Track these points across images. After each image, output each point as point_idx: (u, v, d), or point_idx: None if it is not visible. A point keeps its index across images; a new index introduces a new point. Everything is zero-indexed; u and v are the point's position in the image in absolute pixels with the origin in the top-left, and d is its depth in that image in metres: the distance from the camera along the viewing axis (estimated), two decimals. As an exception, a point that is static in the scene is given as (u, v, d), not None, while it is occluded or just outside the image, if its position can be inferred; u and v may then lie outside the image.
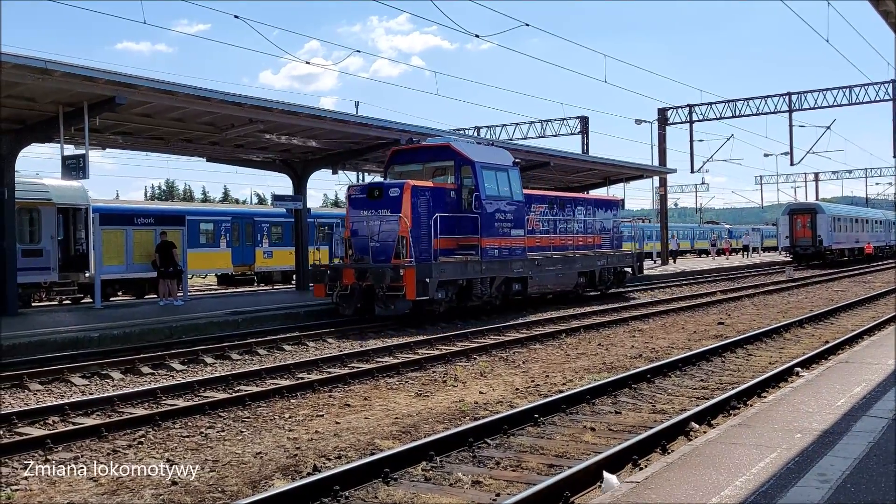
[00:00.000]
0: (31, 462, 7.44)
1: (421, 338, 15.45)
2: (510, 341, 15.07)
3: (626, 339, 15.75)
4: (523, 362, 13.08)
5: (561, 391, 10.15)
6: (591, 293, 25.17)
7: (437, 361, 13.00)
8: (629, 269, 27.18)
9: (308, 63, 46.69)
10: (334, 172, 28.72)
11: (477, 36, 25.80)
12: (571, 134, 45.48)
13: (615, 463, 6.67)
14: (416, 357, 13.18)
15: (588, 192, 35.99)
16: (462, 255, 18.76)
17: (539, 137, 45.83)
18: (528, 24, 26.15)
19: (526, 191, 22.11)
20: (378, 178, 28.14)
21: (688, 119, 45.05)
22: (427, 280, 17.03)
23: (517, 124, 46.73)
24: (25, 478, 6.97)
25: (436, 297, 17.55)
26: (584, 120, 45.16)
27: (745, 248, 64.90)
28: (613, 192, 42.57)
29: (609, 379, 10.50)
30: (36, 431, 8.52)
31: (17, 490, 6.60)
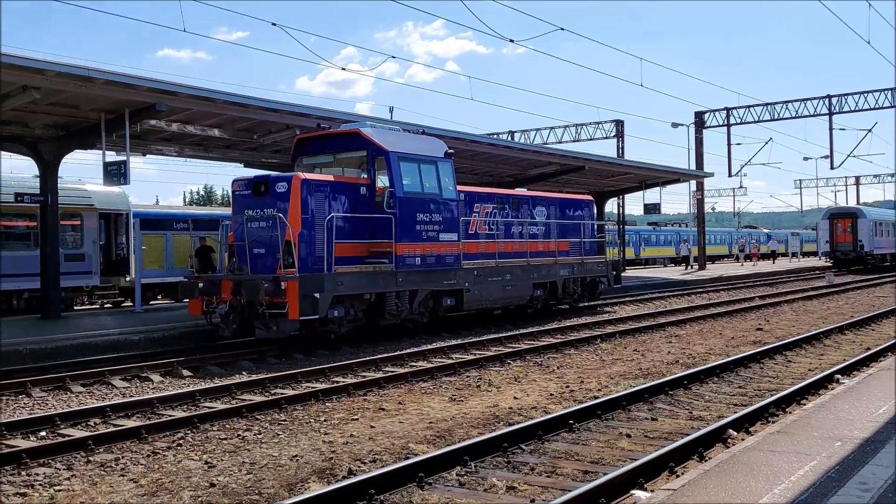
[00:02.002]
0: (74, 463, 7.60)
1: (454, 342, 15.45)
2: (545, 346, 15.01)
3: (662, 345, 15.60)
4: (558, 367, 13.02)
5: (596, 397, 10.10)
6: (561, 306, 21.99)
7: (471, 366, 13.00)
8: (603, 280, 23.32)
9: (344, 69, 47.33)
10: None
11: (511, 41, 25.79)
12: (606, 138, 45.18)
13: (651, 470, 6.62)
14: (451, 362, 13.19)
15: (560, 192, 30.37)
16: (374, 264, 15.74)
17: (574, 141, 45.62)
18: (563, 29, 26.08)
19: (468, 187, 19.55)
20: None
21: (725, 122, 44.52)
22: (317, 295, 13.91)
23: (552, 128, 46.60)
24: (68, 478, 7.12)
25: (331, 316, 14.48)
26: (619, 123, 44.86)
27: (773, 254, 63.61)
28: (650, 196, 41.93)
29: (645, 385, 10.41)
30: (78, 433, 8.69)
31: (59, 490, 6.74)
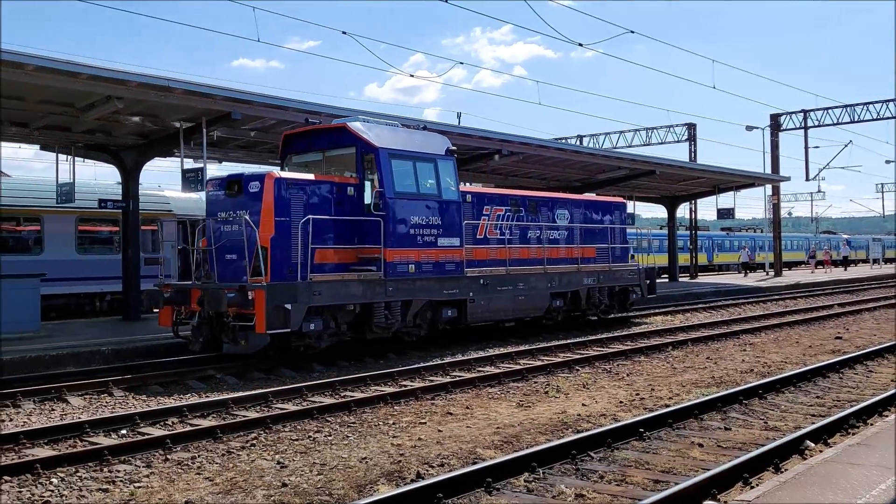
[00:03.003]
0: (153, 460, 7.86)
1: (522, 348, 15.40)
2: (614, 353, 14.83)
3: (736, 353, 15.24)
4: (627, 375, 12.85)
5: (667, 405, 9.93)
6: (591, 318, 20.31)
7: (538, 372, 12.94)
8: (636, 289, 21.21)
9: (412, 76, 47.68)
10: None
11: (580, 44, 25.57)
12: (678, 141, 44.46)
13: (725, 481, 6.47)
14: (518, 367, 13.15)
15: (582, 193, 29.19)
16: (361, 272, 14.34)
17: (644, 145, 45.01)
18: (632, 31, 25.75)
19: (477, 188, 18.13)
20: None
21: (802, 125, 43.27)
22: (288, 306, 12.66)
23: (621, 132, 46.05)
24: (147, 475, 7.36)
25: (307, 329, 13.16)
26: (691, 127, 44.06)
27: (845, 260, 61.09)
28: (723, 201, 40.94)
29: (718, 394, 10.19)
30: (157, 431, 8.98)
31: (139, 487, 6.98)
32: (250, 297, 12.53)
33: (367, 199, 14.57)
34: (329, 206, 14.10)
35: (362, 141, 14.69)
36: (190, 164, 18.60)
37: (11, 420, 9.71)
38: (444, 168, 15.77)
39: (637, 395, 11.01)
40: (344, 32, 20.99)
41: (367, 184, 14.79)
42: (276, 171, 13.91)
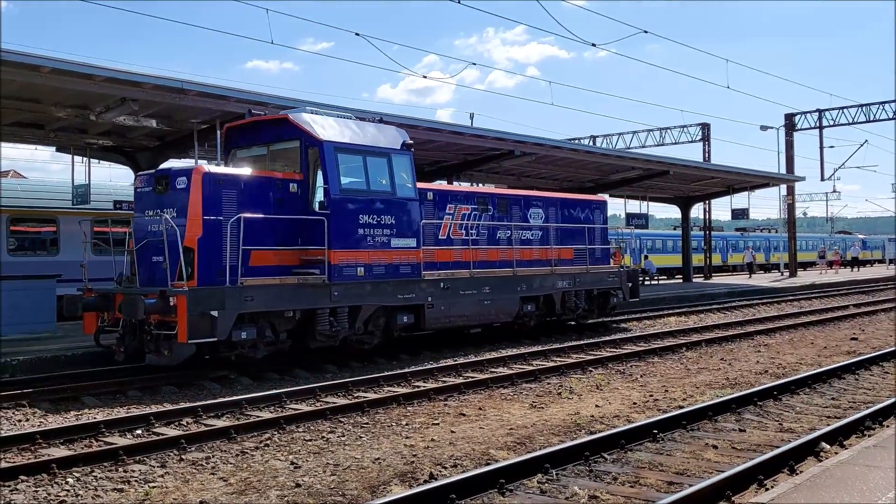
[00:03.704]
0: (167, 460, 7.90)
1: (535, 349, 15.37)
2: (627, 354, 14.78)
3: (750, 354, 15.16)
4: (641, 376, 12.81)
5: (681, 406, 9.89)
6: (570, 322, 19.31)
7: (551, 373, 12.92)
8: (618, 293, 20.01)
9: (425, 77, 47.89)
10: (449, 182, 29.10)
11: (593, 44, 25.51)
12: (692, 142, 44.26)
13: (739, 482, 6.44)
14: (531, 368, 13.14)
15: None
16: (303, 276, 13.28)
17: (657, 146, 44.84)
18: (646, 31, 25.69)
19: (440, 185, 17.09)
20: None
21: (817, 124, 42.99)
22: (215, 313, 11.69)
23: (635, 132, 45.90)
24: (162, 475, 7.40)
25: (238, 338, 12.15)
26: (704, 127, 43.86)
27: (855, 261, 60.46)
28: (737, 201, 40.77)
29: (732, 395, 10.14)
30: (171, 431, 9.03)
31: (154, 487, 7.02)
32: (172, 304, 11.57)
33: (313, 196, 13.66)
34: (268, 204, 13.11)
35: (306, 133, 13.61)
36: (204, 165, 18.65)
37: (28, 420, 9.79)
38: (399, 163, 14.67)
39: (651, 396, 10.97)
40: (357, 34, 21.04)
41: (316, 180, 13.78)
42: (206, 166, 12.90)
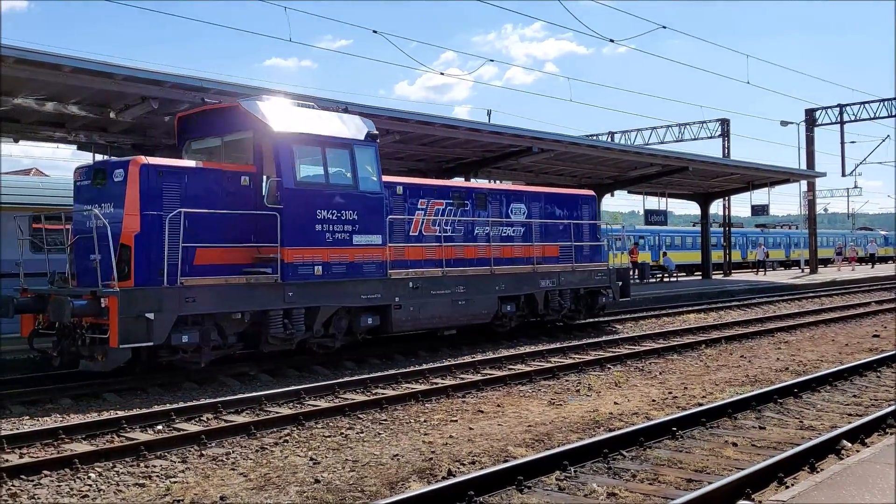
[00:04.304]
0: (188, 456, 7.97)
1: (554, 346, 15.35)
2: (646, 351, 14.73)
3: (770, 351, 15.05)
4: (660, 373, 12.76)
5: (700, 404, 9.85)
6: (559, 323, 18.35)
7: (570, 370, 12.89)
8: (607, 292, 18.96)
9: (442, 73, 47.89)
10: (467, 179, 29.11)
11: (612, 40, 25.42)
12: (711, 137, 43.97)
13: (759, 480, 6.41)
14: (549, 365, 13.12)
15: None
16: (254, 275, 12.45)
17: (677, 141, 44.60)
18: (664, 27, 25.56)
19: (411, 179, 16.29)
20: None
21: (838, 120, 42.56)
22: (150, 315, 10.92)
23: (653, 128, 45.70)
24: (182, 471, 7.47)
25: (179, 342, 11.46)
26: (724, 123, 43.56)
27: (872, 257, 59.61)
28: (757, 197, 40.33)
29: (752, 392, 10.08)
30: (192, 427, 9.10)
31: (175, 482, 7.08)
32: (103, 305, 10.79)
33: (264, 190, 12.84)
34: (217, 198, 12.21)
35: (259, 123, 12.75)
36: (386, 176, 18.51)
37: (50, 416, 9.90)
38: (362, 155, 13.73)
39: (670, 393, 10.93)
40: (375, 31, 21.09)
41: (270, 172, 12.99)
42: (144, 157, 12.06)
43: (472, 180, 24.96)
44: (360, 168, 13.64)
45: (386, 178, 14.61)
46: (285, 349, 13.01)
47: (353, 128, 13.89)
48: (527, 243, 17.33)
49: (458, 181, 18.19)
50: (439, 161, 25.12)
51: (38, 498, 6.67)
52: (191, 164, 12.63)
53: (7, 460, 7.76)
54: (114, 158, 12.77)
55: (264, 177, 12.84)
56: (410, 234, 15.09)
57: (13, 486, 6.96)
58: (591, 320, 19.27)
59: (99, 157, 19.86)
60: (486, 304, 15.91)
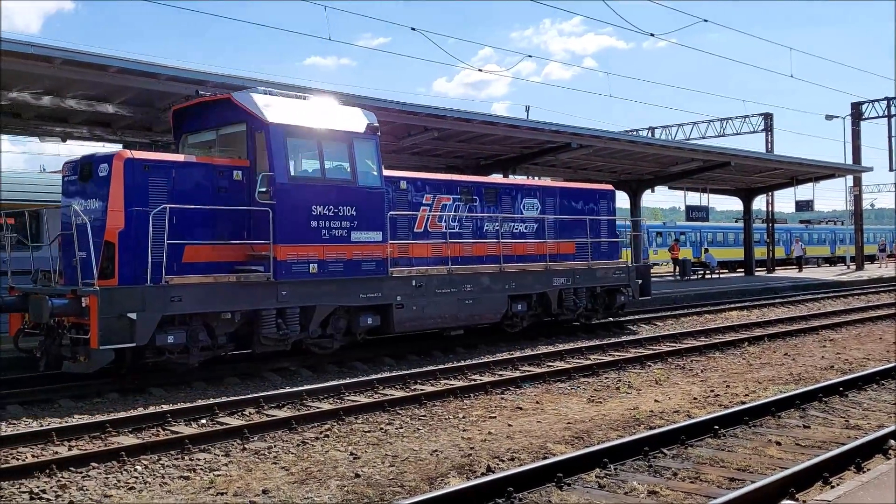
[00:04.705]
0: (231, 450, 8.09)
1: (593, 343, 15.27)
2: (687, 349, 14.57)
3: (815, 349, 14.79)
4: (701, 371, 12.62)
5: (743, 402, 9.72)
6: (575, 323, 17.79)
7: (609, 367, 12.81)
8: (626, 290, 18.28)
9: (481, 70, 47.82)
10: (505, 175, 29.06)
11: (652, 35, 25.15)
12: (753, 132, 43.34)
13: (804, 480, 6.31)
14: (588, 363, 13.06)
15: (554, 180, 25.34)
16: (245, 273, 12.04)
17: (718, 136, 44.03)
18: (706, 20, 25.21)
19: (417, 173, 15.80)
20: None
21: (886, 113, 41.62)
22: (133, 315, 10.54)
23: (695, 123, 45.11)
24: (226, 464, 7.59)
25: (164, 343, 11.07)
26: (767, 117, 42.87)
27: None
28: (801, 192, 39.55)
29: (797, 391, 9.92)
30: (234, 421, 9.24)
31: (218, 475, 7.20)
32: (84, 305, 10.47)
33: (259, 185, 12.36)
34: (207, 193, 11.86)
35: (251, 115, 12.32)
36: (389, 171, 18.66)
37: (97, 409, 10.11)
38: (362, 149, 13.23)
39: (711, 391, 10.81)
40: (413, 28, 21.15)
41: (263, 166, 12.45)
42: (130, 151, 11.79)
43: (511, 177, 24.90)
44: (359, 162, 13.15)
45: (389, 173, 14.23)
46: (280, 349, 12.56)
47: (352, 120, 13.39)
48: (539, 240, 16.73)
49: (469, 176, 17.43)
50: (477, 158, 25.09)
51: (87, 489, 6.83)
52: (179, 158, 12.19)
53: (57, 452, 7.97)
54: (100, 152, 12.27)
55: (258, 171, 12.34)
56: (415, 230, 14.55)
57: (62, 477, 7.14)
58: (611, 319, 18.52)
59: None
60: (495, 303, 15.39)
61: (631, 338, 16.20)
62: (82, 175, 11.59)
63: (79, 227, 10.71)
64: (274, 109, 12.39)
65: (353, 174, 13.05)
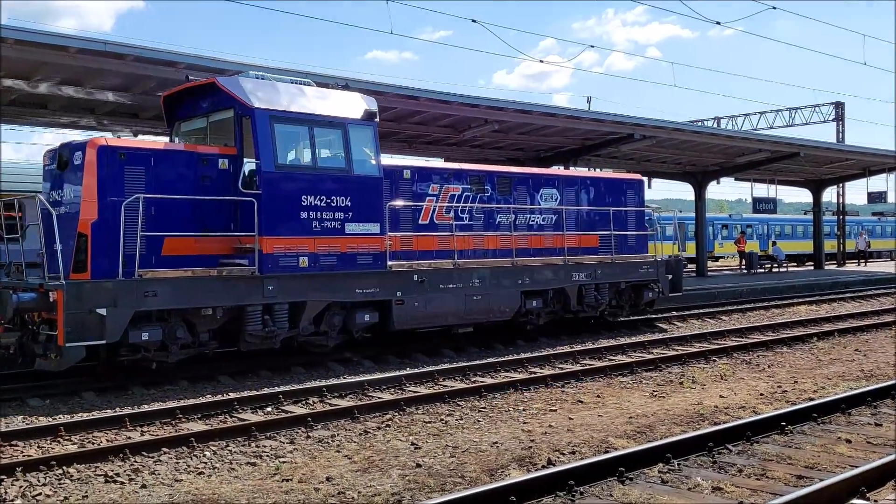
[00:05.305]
0: (296, 437, 8.26)
1: (655, 337, 15.07)
2: (753, 344, 14.27)
3: (887, 345, 14.33)
4: (768, 366, 12.36)
5: (811, 398, 9.50)
6: (615, 319, 16.88)
7: (673, 362, 12.64)
8: (655, 286, 17.13)
9: (542, 61, 47.32)
10: (565, 167, 28.83)
11: (718, 23, 24.60)
12: (824, 122, 42.07)
13: (875, 479, 6.14)
14: (651, 357, 12.90)
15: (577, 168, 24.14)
16: (229, 266, 11.48)
17: (787, 126, 42.86)
18: (775, 7, 24.50)
19: (420, 162, 14.84)
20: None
21: (967, 100, 39.88)
22: (103, 311, 10.06)
23: (762, 113, 44.00)
24: (291, 451, 7.75)
25: (139, 340, 10.51)
26: (838, 106, 41.56)
27: None
28: (875, 184, 38.32)
29: (868, 388, 9.63)
30: (299, 410, 9.42)
31: (284, 462, 7.37)
32: (52, 300, 10.01)
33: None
34: (189, 183, 11.39)
35: (237, 100, 11.75)
36: (390, 159, 18.88)
37: (168, 397, 10.42)
38: (357, 136, 12.56)
39: (779, 387, 10.58)
40: (474, 21, 21.09)
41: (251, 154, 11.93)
42: (104, 138, 11.29)
43: (572, 168, 24.69)
44: (354, 150, 12.48)
45: (391, 162, 13.68)
46: (266, 348, 11.96)
47: (347, 106, 12.71)
48: (558, 233, 15.76)
49: (479, 165, 16.60)
50: (537, 150, 24.98)
51: (158, 474, 7.06)
52: (158, 145, 11.84)
53: (130, 438, 8.25)
54: (77, 140, 11.56)
55: (245, 160, 11.81)
56: (420, 222, 13.83)
57: (135, 461, 7.39)
58: (640, 317, 17.59)
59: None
60: (507, 299, 14.51)
61: (720, 328, 15.94)
62: (60, 163, 11.12)
63: (54, 217, 10.41)
64: (261, 94, 11.82)
65: (347, 162, 12.42)
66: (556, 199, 15.96)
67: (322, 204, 12.05)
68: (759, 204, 36.31)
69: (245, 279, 11.37)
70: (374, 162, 12.80)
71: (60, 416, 9.24)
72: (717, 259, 46.20)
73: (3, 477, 6.83)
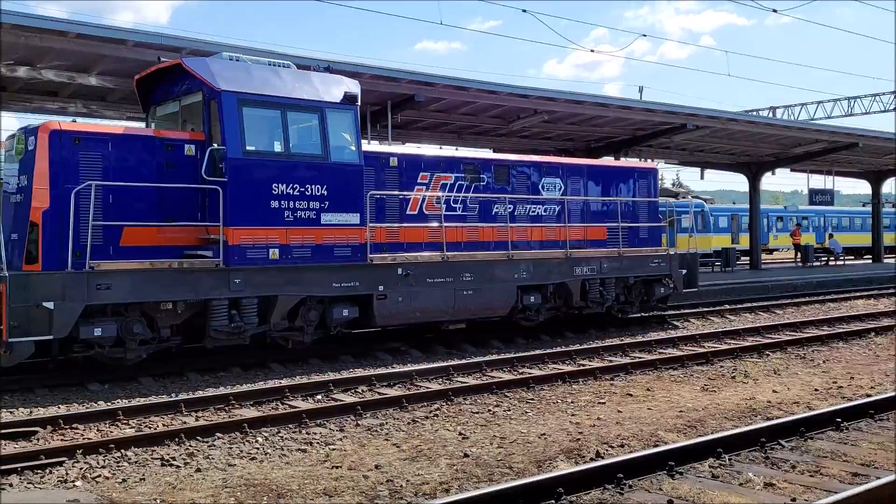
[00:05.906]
0: (345, 425, 8.37)
1: (706, 330, 14.86)
2: (808, 338, 13.98)
3: (950, 342, 13.91)
4: (823, 361, 12.09)
5: (868, 395, 9.28)
6: (625, 315, 16.09)
7: (725, 356, 12.45)
8: (667, 281, 16.28)
9: (593, 51, 46.96)
10: (616, 158, 28.53)
11: (774, 10, 24.05)
12: (885, 111, 40.88)
13: (934, 479, 5.97)
14: (702, 350, 12.73)
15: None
16: (192, 258, 11.01)
17: (845, 116, 41.76)
18: (834, -7, 23.86)
19: (409, 149, 14.40)
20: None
21: None
22: (50, 306, 9.55)
23: (820, 102, 42.94)
24: (340, 439, 7.86)
25: (91, 335, 10.00)
26: (901, 94, 40.28)
27: None
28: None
29: (928, 385, 9.38)
30: (348, 398, 9.54)
31: (333, 449, 7.47)
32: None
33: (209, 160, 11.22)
34: (151, 169, 10.89)
35: (203, 83, 11.14)
36: (376, 145, 19.34)
37: (222, 383, 10.64)
38: (336, 121, 11.88)
39: (834, 383, 10.36)
40: (524, 11, 20.97)
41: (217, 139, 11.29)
42: (59, 122, 10.70)
43: (648, 160, 24.42)
44: (332, 135, 11.81)
45: (376, 148, 13.32)
46: (235, 344, 11.43)
47: (324, 88, 11.98)
48: (560, 224, 15.03)
49: (472, 151, 15.96)
50: (587, 140, 24.78)
51: (213, 458, 7.23)
52: (117, 130, 11.35)
53: (185, 423, 8.46)
54: (31, 124, 10.90)
55: (213, 145, 11.09)
56: (407, 212, 13.23)
57: (190, 445, 7.58)
58: (656, 314, 16.78)
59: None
60: (502, 294, 13.74)
61: (748, 325, 15.67)
62: (16, 148, 10.67)
63: (6, 205, 10.03)
64: (229, 75, 11.16)
65: (324, 149, 11.74)
66: (559, 189, 15.26)
67: (295, 193, 11.45)
68: (816, 196, 35.48)
69: (208, 272, 10.82)
70: (353, 148, 12.15)
71: (119, 400, 9.50)
72: (771, 252, 45.27)
73: (64, 459, 7.06)
